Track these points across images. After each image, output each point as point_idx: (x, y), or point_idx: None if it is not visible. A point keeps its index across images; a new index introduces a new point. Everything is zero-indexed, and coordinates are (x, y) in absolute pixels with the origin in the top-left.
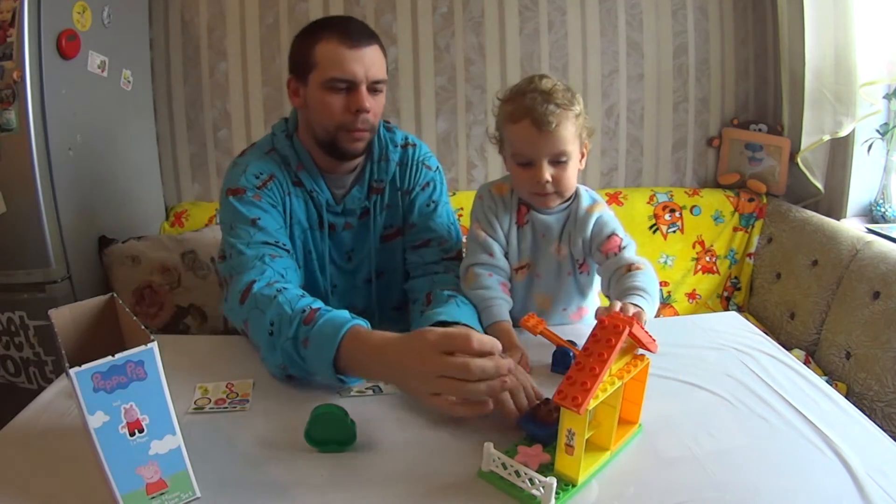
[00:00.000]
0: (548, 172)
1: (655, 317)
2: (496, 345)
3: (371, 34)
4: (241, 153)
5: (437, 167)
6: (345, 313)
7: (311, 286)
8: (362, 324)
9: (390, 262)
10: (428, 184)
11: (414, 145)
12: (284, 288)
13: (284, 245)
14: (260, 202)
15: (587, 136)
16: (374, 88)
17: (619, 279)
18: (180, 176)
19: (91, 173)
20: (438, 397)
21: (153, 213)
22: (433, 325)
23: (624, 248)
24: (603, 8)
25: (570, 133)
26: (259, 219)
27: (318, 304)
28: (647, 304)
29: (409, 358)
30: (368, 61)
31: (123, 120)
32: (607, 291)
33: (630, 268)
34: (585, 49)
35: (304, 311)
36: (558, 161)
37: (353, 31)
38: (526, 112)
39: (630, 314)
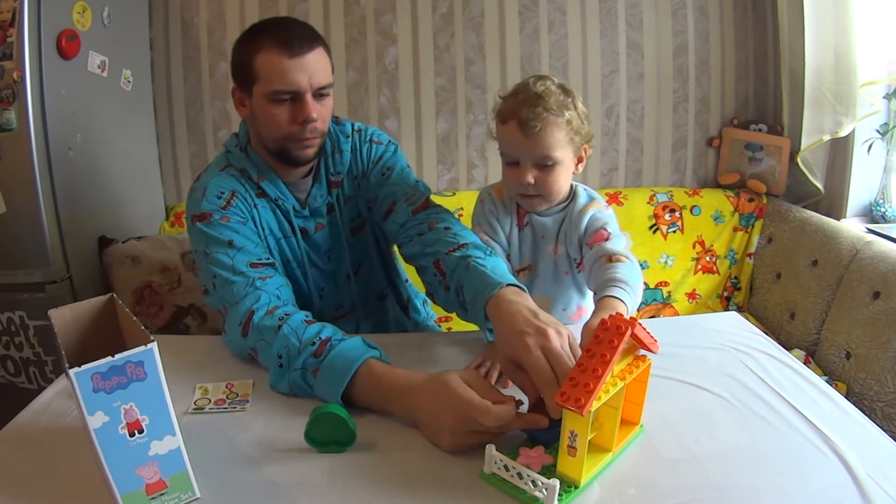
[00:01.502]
0: (531, 175)
1: (655, 317)
2: (511, 413)
3: (313, 36)
4: (196, 177)
5: (389, 141)
6: (357, 343)
7: (297, 293)
8: (376, 355)
9: (365, 254)
10: (380, 157)
11: (360, 130)
12: (287, 315)
13: (268, 259)
14: (229, 223)
15: (584, 142)
16: (320, 94)
17: (600, 269)
18: (180, 176)
19: (91, 173)
20: (462, 444)
21: (153, 213)
22: (488, 301)
23: (609, 239)
24: (603, 8)
25: (557, 139)
26: (234, 240)
27: (328, 332)
28: (628, 296)
29: (441, 413)
30: (311, 69)
31: (123, 120)
32: (588, 282)
33: (611, 258)
34: (585, 49)
35: (314, 342)
36: (544, 165)
37: (293, 38)
38: (512, 113)
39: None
